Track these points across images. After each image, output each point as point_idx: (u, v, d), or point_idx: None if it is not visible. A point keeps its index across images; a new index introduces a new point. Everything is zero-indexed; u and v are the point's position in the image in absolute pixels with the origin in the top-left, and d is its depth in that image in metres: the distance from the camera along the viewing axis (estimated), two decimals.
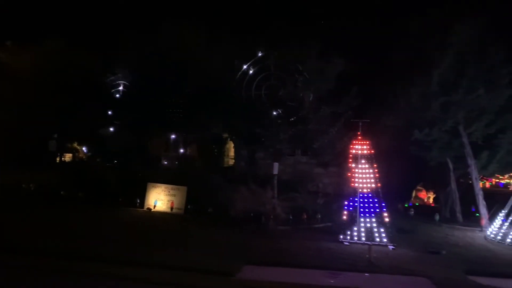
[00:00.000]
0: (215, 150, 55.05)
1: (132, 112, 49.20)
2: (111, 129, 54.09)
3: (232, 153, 56.02)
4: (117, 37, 48.80)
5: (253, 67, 46.82)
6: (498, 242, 32.11)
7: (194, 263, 24.00)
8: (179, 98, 50.39)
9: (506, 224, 32.68)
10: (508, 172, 50.60)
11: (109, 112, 53.72)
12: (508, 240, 31.46)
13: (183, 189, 40.68)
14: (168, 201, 40.83)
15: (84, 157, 58.89)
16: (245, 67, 46.65)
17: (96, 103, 49.47)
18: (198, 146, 56.19)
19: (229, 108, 44.93)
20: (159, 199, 41.14)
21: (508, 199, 33.90)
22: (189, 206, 40.13)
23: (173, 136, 58.20)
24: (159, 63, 46.39)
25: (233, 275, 22.66)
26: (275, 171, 38.43)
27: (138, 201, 41.34)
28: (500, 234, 32.52)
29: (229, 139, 53.30)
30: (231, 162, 55.12)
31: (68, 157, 59.63)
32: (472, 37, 35.77)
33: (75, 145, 59.14)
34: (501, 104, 36.25)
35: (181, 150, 58.80)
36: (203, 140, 54.00)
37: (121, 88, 55.90)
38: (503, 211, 33.74)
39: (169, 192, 41.11)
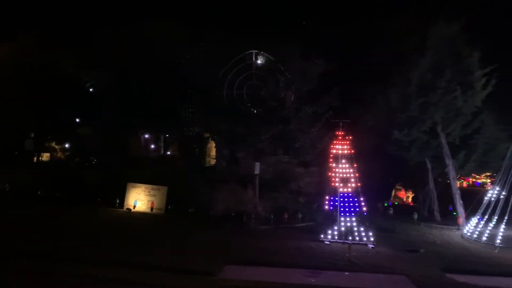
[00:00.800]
0: (197, 149, 54.65)
1: (111, 111, 48.49)
2: (90, 128, 53.18)
3: (213, 152, 55.69)
4: (95, 34, 47.98)
5: (235, 67, 46.66)
6: (474, 240, 32.80)
7: (174, 263, 23.84)
8: (160, 96, 49.90)
9: (482, 222, 33.41)
10: (484, 172, 51.83)
11: (88, 111, 52.81)
12: (484, 238, 32.15)
13: (164, 189, 40.30)
14: (148, 201, 40.40)
15: (62, 156, 57.83)
16: (227, 66, 46.43)
17: (73, 102, 48.63)
18: (179, 145, 55.80)
19: (210, 107, 44.70)
20: (139, 199, 40.68)
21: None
22: (169, 206, 39.80)
23: (153, 136, 57.63)
24: (139, 61, 45.86)
25: (215, 274, 22.57)
26: (257, 171, 38.37)
27: (118, 201, 40.79)
28: (476, 232, 33.21)
29: (210, 138, 53.01)
30: (213, 161, 54.80)
31: (45, 156, 58.43)
32: (448, 38, 36.55)
33: (53, 144, 58.03)
34: (477, 105, 37.15)
35: (162, 150, 58.29)
36: (184, 140, 53.64)
37: (98, 86, 54.82)
38: (479, 210, 34.50)
39: (149, 192, 40.68)
